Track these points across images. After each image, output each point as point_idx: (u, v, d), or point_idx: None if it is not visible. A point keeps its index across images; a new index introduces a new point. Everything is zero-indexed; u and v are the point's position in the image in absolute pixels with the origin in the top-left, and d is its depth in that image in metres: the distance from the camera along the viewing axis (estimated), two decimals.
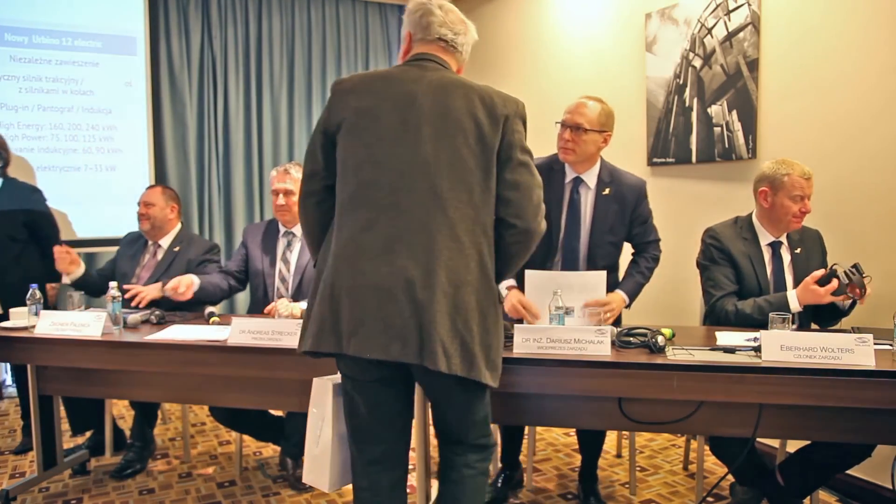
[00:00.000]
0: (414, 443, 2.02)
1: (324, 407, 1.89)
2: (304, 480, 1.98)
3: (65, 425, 3.08)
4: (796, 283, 2.45)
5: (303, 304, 2.72)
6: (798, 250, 2.52)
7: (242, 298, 4.79)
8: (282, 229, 3.05)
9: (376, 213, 1.64)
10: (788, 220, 2.46)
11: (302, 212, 1.84)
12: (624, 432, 3.17)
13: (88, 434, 3.27)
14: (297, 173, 2.94)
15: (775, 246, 2.52)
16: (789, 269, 2.51)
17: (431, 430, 2.00)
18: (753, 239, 2.53)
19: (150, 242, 3.21)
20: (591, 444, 2.69)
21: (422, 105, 1.67)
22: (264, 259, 3.01)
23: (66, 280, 3.09)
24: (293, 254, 3.02)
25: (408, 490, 1.93)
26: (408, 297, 1.59)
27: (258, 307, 2.92)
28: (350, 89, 1.73)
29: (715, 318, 2.50)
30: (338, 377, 1.88)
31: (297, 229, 3.04)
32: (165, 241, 3.19)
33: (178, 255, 3.15)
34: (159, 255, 3.18)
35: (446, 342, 1.59)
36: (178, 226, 3.26)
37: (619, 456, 3.18)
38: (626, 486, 2.84)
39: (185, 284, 2.80)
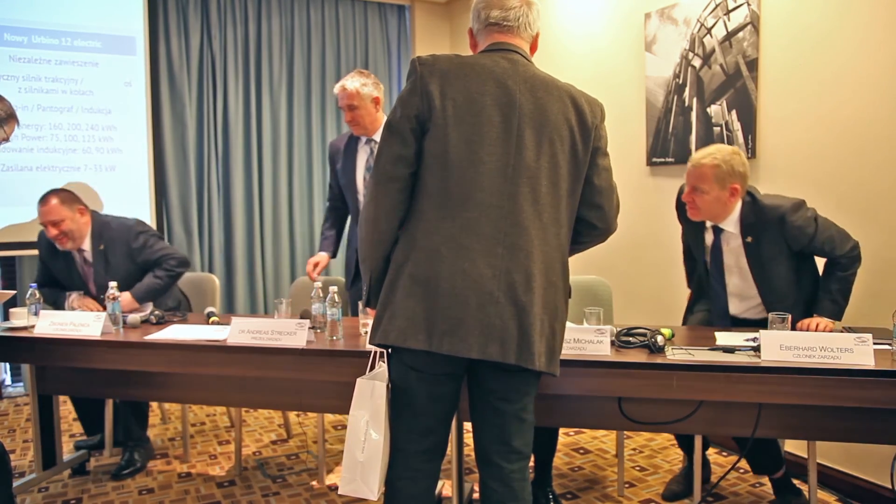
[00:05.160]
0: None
1: (374, 409, 1.79)
2: (342, 492, 1.82)
3: (74, 427, 3.07)
4: (752, 271, 2.43)
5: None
6: (749, 238, 2.42)
7: (241, 297, 4.80)
8: (363, 138, 3.02)
9: (478, 213, 1.65)
10: None
11: (378, 197, 1.71)
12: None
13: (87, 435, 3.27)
14: (353, 83, 2.87)
15: (716, 231, 2.48)
16: (737, 255, 2.45)
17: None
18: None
19: (72, 252, 3.01)
20: (544, 444, 2.62)
21: (522, 106, 1.68)
22: (349, 170, 3.03)
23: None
24: None
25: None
26: (510, 299, 1.62)
27: (354, 216, 3.05)
28: (441, 73, 1.68)
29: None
30: (380, 375, 1.81)
31: (377, 135, 2.97)
32: (87, 244, 2.99)
33: (107, 253, 2.97)
34: (90, 259, 3.00)
35: (538, 342, 1.65)
36: (90, 223, 3.01)
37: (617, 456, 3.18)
38: (626, 485, 2.85)
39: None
